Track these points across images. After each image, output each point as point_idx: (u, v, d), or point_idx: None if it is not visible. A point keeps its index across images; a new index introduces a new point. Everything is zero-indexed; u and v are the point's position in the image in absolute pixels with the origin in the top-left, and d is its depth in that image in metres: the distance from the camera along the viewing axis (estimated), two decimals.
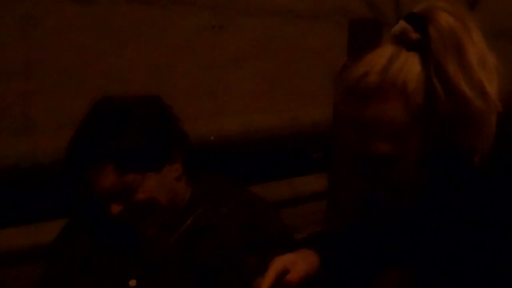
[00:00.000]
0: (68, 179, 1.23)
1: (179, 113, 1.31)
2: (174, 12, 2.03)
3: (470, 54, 0.84)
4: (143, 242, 1.22)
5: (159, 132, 1.19)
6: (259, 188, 1.42)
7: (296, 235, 1.32)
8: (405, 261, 1.11)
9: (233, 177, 1.32)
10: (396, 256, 1.13)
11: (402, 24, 0.87)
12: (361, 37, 1.47)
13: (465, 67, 0.84)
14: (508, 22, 3.23)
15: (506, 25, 3.21)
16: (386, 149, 0.88)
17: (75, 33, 1.78)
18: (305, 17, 2.43)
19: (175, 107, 1.31)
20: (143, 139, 1.16)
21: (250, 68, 2.27)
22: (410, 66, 0.86)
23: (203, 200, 1.26)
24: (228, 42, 2.20)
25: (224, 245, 1.17)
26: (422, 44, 0.86)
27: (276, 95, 2.29)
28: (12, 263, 1.59)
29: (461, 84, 0.84)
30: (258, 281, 1.02)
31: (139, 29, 1.94)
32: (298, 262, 1.06)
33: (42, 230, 1.52)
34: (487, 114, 0.86)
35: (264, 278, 1.00)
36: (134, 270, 1.20)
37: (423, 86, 0.85)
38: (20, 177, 1.60)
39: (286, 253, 1.07)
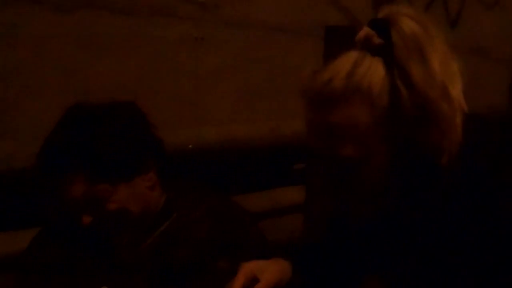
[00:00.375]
0: (40, 186, 1.21)
1: (159, 122, 1.31)
2: (156, 22, 2.03)
3: (432, 58, 0.88)
4: (115, 248, 1.21)
5: (131, 141, 1.19)
6: (238, 199, 1.41)
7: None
8: (379, 270, 1.12)
9: (212, 187, 1.32)
10: (369, 265, 1.14)
11: (366, 29, 0.91)
12: (337, 44, 1.48)
13: (428, 70, 0.87)
14: (486, 41, 3.30)
15: (484, 43, 3.28)
16: (353, 152, 0.91)
17: (56, 42, 1.77)
18: (287, 32, 2.45)
19: (155, 117, 1.31)
20: (114, 149, 1.15)
21: (231, 80, 2.28)
22: (374, 71, 0.89)
23: (178, 206, 1.25)
24: (209, 53, 2.20)
25: (197, 248, 1.17)
26: (386, 49, 0.88)
27: (256, 106, 2.30)
28: None
29: (424, 87, 0.87)
30: (229, 285, 1.03)
31: (120, 39, 1.94)
32: (268, 270, 1.07)
33: (16, 239, 1.49)
34: (451, 115, 0.89)
35: (234, 282, 1.01)
36: (105, 276, 1.19)
37: (388, 89, 0.88)
38: None
39: (258, 259, 1.08)
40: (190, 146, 1.85)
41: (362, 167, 0.92)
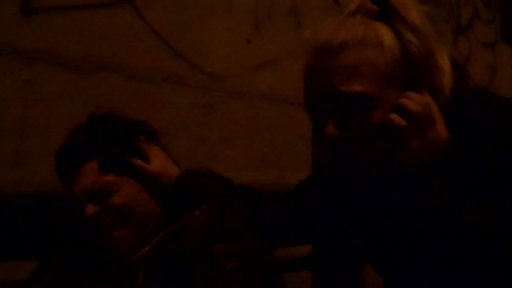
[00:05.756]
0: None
1: None
2: (166, 89, 2.14)
3: (424, 11, 1.02)
4: (114, 261, 1.23)
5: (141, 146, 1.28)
6: None
7: None
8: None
9: None
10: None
11: (357, 1, 1.01)
12: None
13: (424, 21, 1.01)
14: None
15: None
16: (368, 88, 0.96)
17: (71, 101, 1.86)
18: (291, 103, 2.55)
19: None
20: (127, 145, 1.25)
21: (238, 147, 2.35)
22: (377, 24, 1.01)
23: (177, 216, 1.28)
24: (217, 121, 2.29)
25: (195, 241, 1.19)
26: (382, 12, 1.00)
27: (262, 169, 2.35)
28: None
29: (426, 34, 0.99)
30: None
31: (132, 103, 2.03)
32: None
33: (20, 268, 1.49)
34: (444, 60, 1.01)
35: None
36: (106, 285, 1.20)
37: (397, 44, 0.99)
38: None
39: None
40: None
41: (375, 109, 0.97)
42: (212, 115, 2.27)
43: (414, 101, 0.96)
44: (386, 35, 0.98)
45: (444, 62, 0.99)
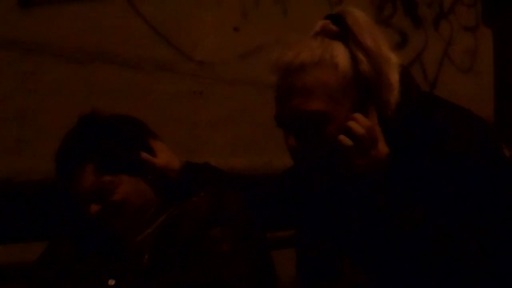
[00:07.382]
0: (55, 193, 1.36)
1: None
2: (159, 77, 2.25)
3: (377, 36, 1.17)
4: (120, 243, 1.34)
5: (136, 141, 1.36)
6: None
7: None
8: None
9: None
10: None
11: (321, 22, 1.14)
12: None
13: (376, 43, 1.15)
14: (463, 102, 3.52)
15: (462, 104, 3.50)
16: (322, 106, 1.12)
17: (70, 90, 1.97)
18: None
19: None
20: (120, 144, 1.33)
21: (227, 133, 2.47)
22: (334, 44, 1.16)
23: (176, 202, 1.39)
24: (207, 106, 2.40)
25: (193, 224, 1.30)
26: (341, 32, 1.15)
27: (251, 154, 2.47)
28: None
29: (376, 53, 1.11)
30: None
31: (126, 91, 2.14)
32: None
33: (30, 249, 1.60)
34: (393, 77, 1.16)
35: None
36: (112, 270, 1.31)
37: (350, 61, 1.13)
38: None
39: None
40: None
41: (328, 123, 1.12)
42: (202, 101, 2.38)
43: (360, 124, 1.11)
44: (341, 55, 1.13)
45: (393, 79, 1.14)
